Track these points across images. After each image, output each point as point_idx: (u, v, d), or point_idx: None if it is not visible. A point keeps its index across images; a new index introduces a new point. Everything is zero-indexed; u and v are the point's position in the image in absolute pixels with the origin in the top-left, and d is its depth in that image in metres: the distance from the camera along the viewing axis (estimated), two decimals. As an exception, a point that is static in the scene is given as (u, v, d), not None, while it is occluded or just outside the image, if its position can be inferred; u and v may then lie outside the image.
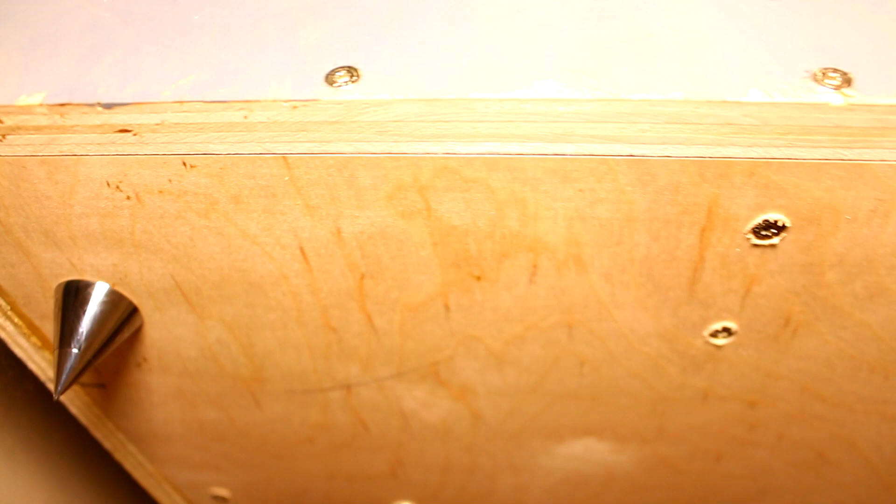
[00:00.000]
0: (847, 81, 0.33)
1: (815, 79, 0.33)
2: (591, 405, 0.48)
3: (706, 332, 0.43)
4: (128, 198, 0.38)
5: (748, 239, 0.38)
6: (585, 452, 0.52)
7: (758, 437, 0.51)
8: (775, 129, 0.33)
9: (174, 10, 0.40)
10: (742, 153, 0.34)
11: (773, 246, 0.38)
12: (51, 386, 0.49)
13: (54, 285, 0.43)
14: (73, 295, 0.43)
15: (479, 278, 0.40)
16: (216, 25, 0.39)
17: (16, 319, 0.47)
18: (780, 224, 0.37)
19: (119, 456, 0.58)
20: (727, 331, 0.43)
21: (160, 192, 0.38)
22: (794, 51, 0.35)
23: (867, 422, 0.50)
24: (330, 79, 0.35)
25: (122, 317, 0.45)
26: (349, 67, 0.35)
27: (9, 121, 0.36)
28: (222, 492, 0.62)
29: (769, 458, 0.53)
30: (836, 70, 0.34)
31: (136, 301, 0.44)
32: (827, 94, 0.33)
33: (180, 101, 0.35)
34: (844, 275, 0.39)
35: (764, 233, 0.37)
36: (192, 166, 0.37)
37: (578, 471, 0.55)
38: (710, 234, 0.37)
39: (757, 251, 0.38)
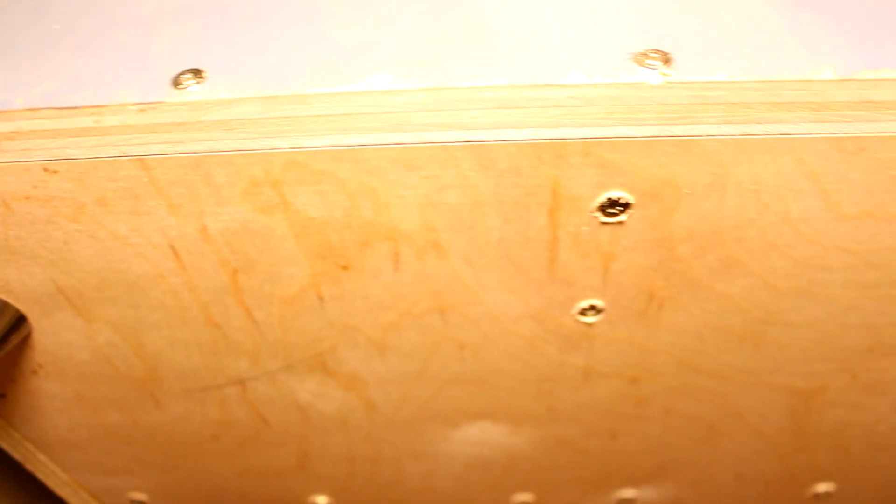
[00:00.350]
0: (667, 61, 0.35)
1: (636, 60, 0.35)
2: (479, 388, 0.50)
3: (574, 311, 0.44)
4: (-4, 206, 0.39)
5: (596, 217, 0.39)
6: (483, 436, 0.54)
7: (646, 412, 0.53)
8: (601, 110, 0.35)
9: (35, 20, 0.41)
10: (573, 133, 0.35)
11: (621, 223, 0.39)
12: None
13: (-63, 296, 0.44)
14: (-44, 305, 0.44)
15: (345, 268, 0.42)
16: (74, 34, 0.40)
17: None
18: (623, 202, 0.38)
19: (31, 466, 0.58)
20: (595, 308, 0.44)
21: (27, 198, 0.39)
22: (619, 34, 0.36)
23: (749, 392, 0.51)
24: (176, 81, 0.36)
25: (9, 324, 0.45)
26: (195, 70, 0.36)
27: None
28: (140, 496, 0.62)
29: (662, 432, 0.55)
30: (657, 51, 0.35)
31: (22, 308, 0.45)
32: (646, 74, 0.34)
33: (32, 109, 0.36)
34: (696, 248, 0.41)
35: (610, 210, 0.39)
36: (53, 172, 0.38)
37: (480, 455, 0.56)
38: (559, 214, 0.39)
39: (607, 229, 0.40)
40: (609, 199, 0.38)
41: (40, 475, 0.59)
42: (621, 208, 0.39)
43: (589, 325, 0.45)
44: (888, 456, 0.59)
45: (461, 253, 0.41)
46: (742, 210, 0.39)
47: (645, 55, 0.35)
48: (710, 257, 0.42)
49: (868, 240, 0.41)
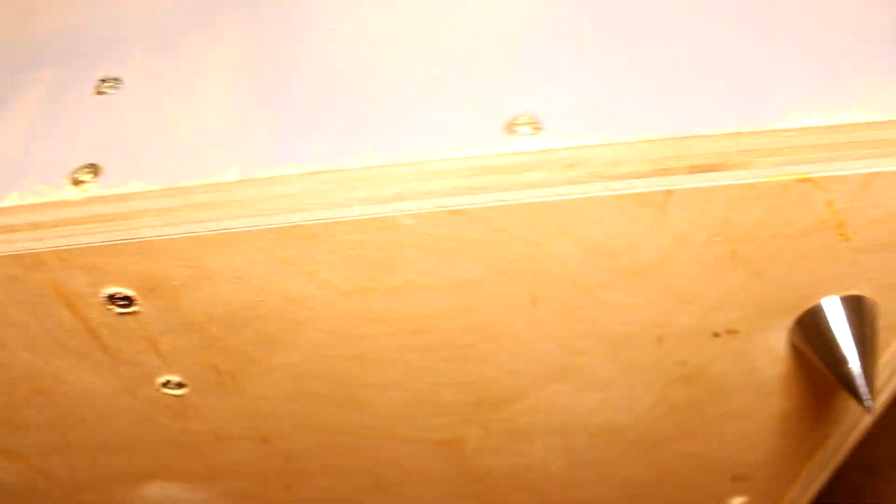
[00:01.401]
0: (96, 173, 0.39)
1: (69, 177, 0.39)
2: (130, 454, 0.54)
3: (157, 386, 0.49)
4: None
5: (112, 310, 0.43)
6: (167, 493, 0.58)
7: (303, 466, 0.56)
8: (46, 226, 0.39)
9: None
10: (38, 246, 0.40)
11: (137, 312, 0.44)
12: None
13: None
14: None
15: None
16: None
17: None
18: (123, 295, 0.43)
19: None
20: (173, 382, 0.48)
21: None
22: (66, 148, 0.41)
23: (388, 446, 0.54)
24: None
25: None
26: None
27: None
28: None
29: (332, 484, 0.58)
30: (91, 165, 0.39)
31: None
32: (70, 191, 0.39)
33: None
34: (226, 328, 0.45)
35: (121, 303, 0.43)
36: None
37: (179, 510, 0.61)
38: (78, 310, 0.43)
39: (130, 318, 0.44)
40: (110, 294, 0.42)
41: None
42: (127, 301, 0.43)
43: (180, 396, 0.49)
44: (587, 492, 0.61)
45: (21, 345, 0.46)
46: (242, 294, 0.43)
47: (80, 170, 0.39)
48: (245, 335, 0.45)
49: (386, 310, 0.44)
